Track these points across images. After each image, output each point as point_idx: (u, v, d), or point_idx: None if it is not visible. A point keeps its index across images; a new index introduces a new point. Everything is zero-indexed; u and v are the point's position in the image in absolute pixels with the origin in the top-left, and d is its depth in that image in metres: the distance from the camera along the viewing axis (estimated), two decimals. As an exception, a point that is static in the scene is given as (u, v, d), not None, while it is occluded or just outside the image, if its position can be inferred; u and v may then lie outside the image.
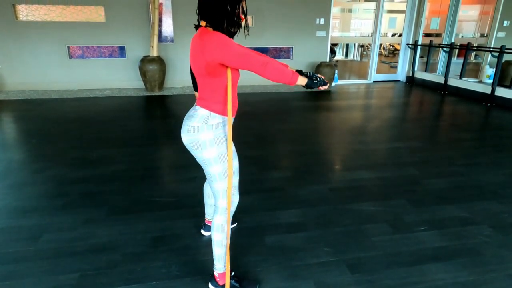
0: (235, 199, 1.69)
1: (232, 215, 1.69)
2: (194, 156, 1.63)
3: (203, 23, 1.48)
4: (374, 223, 2.34)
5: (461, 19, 7.69)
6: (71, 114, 5.08)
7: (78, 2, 6.34)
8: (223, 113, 1.55)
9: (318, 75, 1.66)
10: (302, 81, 1.58)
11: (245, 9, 1.51)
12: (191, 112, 1.59)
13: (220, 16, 1.43)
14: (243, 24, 1.54)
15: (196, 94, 1.61)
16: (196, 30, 1.52)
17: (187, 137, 1.57)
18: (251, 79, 7.32)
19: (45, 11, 6.32)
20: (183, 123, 1.60)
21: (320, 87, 1.66)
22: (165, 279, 1.81)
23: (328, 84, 1.69)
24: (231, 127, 1.57)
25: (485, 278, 1.84)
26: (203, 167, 1.64)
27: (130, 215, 2.40)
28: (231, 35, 1.50)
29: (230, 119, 1.56)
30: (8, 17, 6.17)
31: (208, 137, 1.53)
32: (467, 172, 3.16)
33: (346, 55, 13.27)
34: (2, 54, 6.36)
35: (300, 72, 1.83)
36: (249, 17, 7.10)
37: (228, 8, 1.42)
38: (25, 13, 6.27)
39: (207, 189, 2.07)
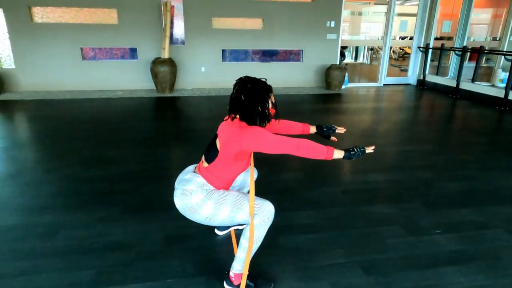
0: (268, 209, 1.61)
1: (270, 224, 1.65)
2: (194, 220, 1.68)
3: (238, 116, 1.61)
4: (388, 226, 2.32)
5: (473, 23, 7.61)
6: (84, 114, 5.15)
7: (92, 4, 6.45)
8: (218, 188, 1.66)
9: (357, 148, 1.70)
10: (339, 154, 1.63)
11: (274, 102, 1.64)
12: (187, 176, 1.68)
13: (253, 116, 1.58)
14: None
15: (204, 162, 1.69)
16: (230, 118, 1.64)
17: (180, 202, 1.64)
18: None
19: (59, 13, 6.43)
20: (176, 186, 1.68)
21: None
22: (180, 277, 1.82)
23: (372, 147, 1.74)
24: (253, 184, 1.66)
25: (503, 282, 1.81)
26: (210, 224, 1.68)
27: (143, 214, 2.42)
28: (263, 126, 1.64)
29: (251, 191, 1.62)
30: (24, 19, 6.29)
31: (199, 198, 1.61)
32: (481, 176, 3.12)
33: (356, 58, 13.23)
34: (17, 55, 6.49)
35: (320, 128, 2.00)
36: (259, 20, 7.14)
37: (259, 108, 1.57)
38: (40, 15, 6.39)
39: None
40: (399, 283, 1.80)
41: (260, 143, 1.53)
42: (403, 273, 1.87)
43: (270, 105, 1.63)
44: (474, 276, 1.85)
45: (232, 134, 1.57)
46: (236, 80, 1.63)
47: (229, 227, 2.22)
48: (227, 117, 1.67)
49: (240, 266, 1.69)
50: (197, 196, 1.61)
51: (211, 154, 1.66)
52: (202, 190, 1.62)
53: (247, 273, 1.69)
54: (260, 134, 1.53)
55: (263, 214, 1.60)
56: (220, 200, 1.61)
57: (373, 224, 2.34)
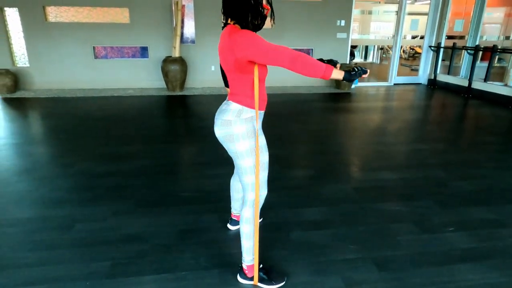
0: (264, 191, 1.71)
1: (260, 208, 1.71)
2: (226, 148, 1.65)
3: (230, 22, 1.50)
4: (400, 223, 2.32)
5: (485, 21, 7.51)
6: (96, 112, 5.23)
7: (104, 3, 6.53)
8: (252, 107, 1.58)
9: (357, 67, 1.53)
10: (338, 74, 1.45)
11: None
12: (223, 106, 1.62)
13: (244, 10, 1.42)
14: (268, 14, 1.52)
15: (227, 89, 1.64)
16: (223, 28, 1.55)
17: (220, 130, 1.60)
18: (269, 80, 7.34)
19: (72, 12, 6.54)
20: (216, 117, 1.63)
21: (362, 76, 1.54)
22: (194, 270, 1.85)
23: (368, 72, 1.56)
24: (259, 121, 1.61)
25: (518, 280, 1.80)
26: (234, 160, 1.66)
27: (157, 208, 2.46)
28: (257, 28, 1.50)
29: (257, 113, 1.58)
30: (38, 18, 6.41)
31: (241, 130, 1.56)
32: (494, 175, 3.09)
33: (365, 57, 13.14)
34: (31, 53, 6.61)
35: (331, 62, 1.83)
36: (269, 18, 7.14)
37: (252, 1, 1.42)
38: (54, 14, 6.50)
39: (234, 183, 2.09)
40: (412, 279, 1.80)
41: (252, 48, 1.37)
42: (416, 270, 1.87)
43: (264, 1, 1.47)
44: (488, 274, 1.84)
45: (224, 43, 1.46)
46: None
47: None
48: None
49: (249, 257, 1.71)
50: (238, 128, 1.55)
51: (225, 76, 1.61)
52: (241, 120, 1.55)
53: (257, 261, 1.71)
54: (252, 38, 1.38)
55: (260, 194, 1.68)
56: (254, 150, 1.58)
57: (385, 221, 2.34)
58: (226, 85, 1.63)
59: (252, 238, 1.69)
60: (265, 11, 1.49)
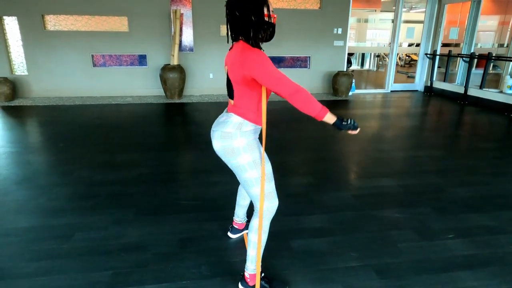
0: (275, 202, 1.68)
1: (271, 218, 1.70)
2: (226, 162, 1.64)
3: (240, 38, 1.53)
4: (399, 230, 2.33)
5: (480, 29, 7.62)
6: (95, 120, 5.23)
7: (103, 12, 6.58)
8: (256, 121, 1.60)
9: (351, 120, 1.57)
10: (330, 118, 1.52)
11: (270, 9, 1.53)
12: (222, 118, 1.63)
13: (246, 28, 1.48)
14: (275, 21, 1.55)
15: (230, 101, 1.65)
16: (232, 42, 1.58)
17: (220, 143, 1.59)
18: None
19: (71, 21, 6.57)
20: (214, 128, 1.62)
21: (350, 131, 1.60)
22: (195, 278, 1.84)
23: (358, 129, 1.60)
24: (265, 134, 1.63)
25: (518, 286, 1.80)
26: (236, 174, 1.65)
27: (157, 216, 2.46)
28: (266, 39, 1.56)
29: (264, 128, 1.60)
30: (37, 27, 6.44)
31: (241, 144, 1.56)
32: (492, 181, 3.12)
33: (362, 65, 13.25)
34: (30, 62, 6.62)
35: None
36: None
37: (252, 17, 1.47)
38: (52, 23, 6.54)
39: (242, 189, 2.09)
40: (413, 286, 1.81)
41: (260, 70, 1.42)
42: (416, 277, 1.87)
43: (267, 12, 1.50)
44: (488, 281, 1.85)
45: (235, 57, 1.49)
46: (226, 1, 1.51)
47: (241, 230, 2.24)
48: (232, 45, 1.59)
49: (253, 265, 1.71)
50: (238, 141, 1.56)
51: (230, 89, 1.61)
52: (241, 133, 1.56)
53: (260, 270, 1.71)
54: (262, 60, 1.43)
55: (271, 204, 1.65)
56: (258, 162, 1.58)
57: (385, 228, 2.35)
58: (230, 96, 1.64)
59: (258, 247, 1.68)
60: (272, 19, 1.53)
